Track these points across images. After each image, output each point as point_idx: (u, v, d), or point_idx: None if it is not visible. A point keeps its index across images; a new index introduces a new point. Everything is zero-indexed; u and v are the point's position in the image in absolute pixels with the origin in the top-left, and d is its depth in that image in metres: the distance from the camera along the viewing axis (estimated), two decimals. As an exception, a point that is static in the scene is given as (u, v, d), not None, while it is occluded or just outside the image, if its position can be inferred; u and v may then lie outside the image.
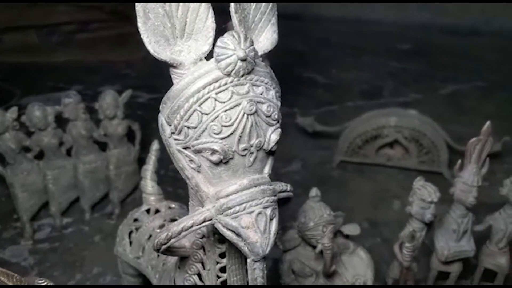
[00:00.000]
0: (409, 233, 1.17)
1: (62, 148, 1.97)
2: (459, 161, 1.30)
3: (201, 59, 0.70)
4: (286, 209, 1.88)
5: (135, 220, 1.25)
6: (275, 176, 2.40)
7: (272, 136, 0.72)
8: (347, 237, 1.24)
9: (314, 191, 1.12)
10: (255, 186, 0.72)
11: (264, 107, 0.70)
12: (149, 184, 1.27)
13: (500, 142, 2.26)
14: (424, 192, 1.22)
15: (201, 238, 0.83)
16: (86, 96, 2.25)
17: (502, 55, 3.76)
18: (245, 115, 0.67)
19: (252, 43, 0.68)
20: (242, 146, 0.69)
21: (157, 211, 1.24)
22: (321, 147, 2.58)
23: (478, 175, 1.26)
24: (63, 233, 1.98)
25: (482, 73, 3.46)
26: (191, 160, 0.71)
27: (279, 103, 0.75)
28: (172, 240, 0.74)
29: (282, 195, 0.82)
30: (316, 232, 1.09)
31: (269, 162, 0.78)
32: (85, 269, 1.77)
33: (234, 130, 0.67)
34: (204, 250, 0.85)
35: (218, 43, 0.66)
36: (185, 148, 0.70)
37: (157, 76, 3.78)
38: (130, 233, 1.24)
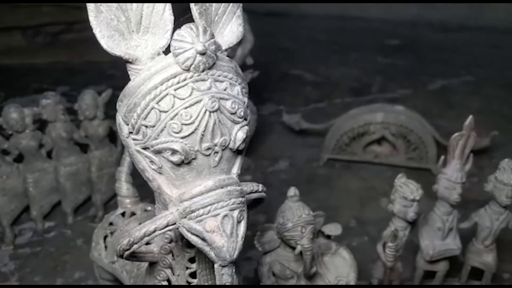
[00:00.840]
0: (391, 233, 1.14)
1: (42, 151, 1.92)
2: (442, 157, 1.27)
3: (159, 54, 0.66)
4: (269, 210, 1.85)
5: (110, 224, 1.21)
6: (261, 175, 2.36)
7: (239, 134, 0.68)
8: (329, 237, 1.21)
9: (293, 191, 1.09)
10: (221, 187, 0.69)
11: (228, 104, 0.67)
12: (123, 186, 1.23)
13: (488, 136, 2.23)
14: (406, 190, 1.19)
15: (169, 242, 0.80)
16: (71, 97, 2.21)
17: (490, 50, 3.75)
18: (207, 112, 0.64)
19: (212, 36, 0.65)
20: (205, 145, 0.65)
21: (133, 214, 1.20)
22: (309, 144, 2.55)
23: (462, 171, 1.23)
24: (44, 237, 1.93)
25: (471, 68, 3.45)
26: (151, 161, 0.67)
27: (245, 100, 0.72)
28: (135, 246, 0.70)
29: (253, 196, 0.79)
30: (295, 233, 1.06)
31: (238, 162, 0.75)
32: (67, 274, 1.73)
33: (196, 129, 0.64)
34: (172, 255, 0.81)
35: (175, 36, 0.63)
36: (145, 148, 0.66)
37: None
38: (105, 237, 1.20)
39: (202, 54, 0.62)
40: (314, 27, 4.45)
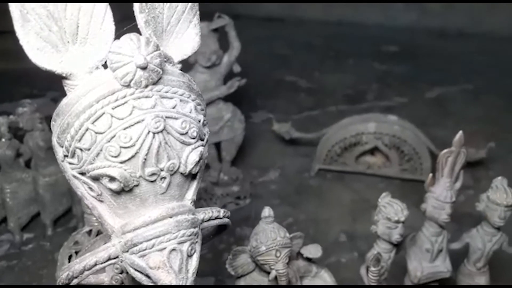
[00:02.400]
0: (373, 256, 1.06)
1: (20, 160, 1.85)
2: (430, 174, 1.19)
3: (97, 68, 0.59)
4: (256, 224, 1.78)
5: (76, 242, 1.14)
6: (250, 185, 2.26)
7: (191, 156, 0.61)
8: (309, 259, 1.13)
9: (267, 211, 1.01)
10: (170, 217, 0.61)
11: (177, 123, 0.59)
12: (90, 203, 1.15)
13: (485, 148, 2.15)
14: (390, 211, 1.11)
15: (120, 273, 0.72)
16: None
17: (489, 57, 3.67)
18: (150, 134, 0.57)
19: (156, 48, 0.57)
20: (148, 170, 0.58)
21: (99, 232, 1.13)
22: (301, 154, 2.47)
23: (452, 190, 1.15)
24: (22, 250, 1.86)
25: (469, 76, 3.37)
26: (90, 188, 0.60)
27: (201, 117, 0.65)
28: (75, 280, 0.63)
29: (213, 223, 0.72)
30: (269, 257, 0.98)
31: (193, 186, 0.67)
32: (42, 289, 1.65)
33: (137, 152, 0.56)
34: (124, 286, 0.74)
35: (112, 48, 0.55)
36: (81, 173, 0.59)
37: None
38: (70, 257, 1.12)
39: (143, 68, 0.55)
40: (311, 32, 4.38)
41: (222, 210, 0.73)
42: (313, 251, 1.10)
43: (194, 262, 0.63)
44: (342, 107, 2.98)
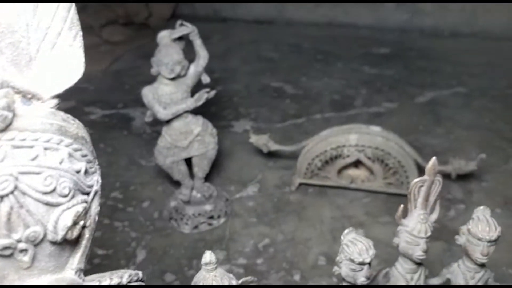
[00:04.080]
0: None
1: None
2: (401, 206, 1.04)
3: None
4: (231, 245, 1.64)
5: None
6: (225, 203, 2.11)
7: (62, 220, 0.49)
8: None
9: (208, 257, 0.87)
10: None
11: (38, 180, 0.47)
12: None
13: (475, 160, 2.01)
14: (353, 250, 0.96)
15: None
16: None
17: (483, 58, 3.52)
18: None
19: (5, 85, 0.44)
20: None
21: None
22: (282, 166, 2.33)
23: (427, 223, 1.01)
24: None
25: (462, 78, 3.22)
26: None
27: (80, 166, 0.53)
28: None
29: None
30: (211, 311, 0.84)
31: (78, 253, 0.54)
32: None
33: None
34: None
35: None
36: None
37: (115, 90, 3.53)
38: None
39: None
40: (299, 34, 4.23)
41: (126, 275, 0.60)
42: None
43: None
44: (328, 114, 2.84)
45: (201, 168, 1.93)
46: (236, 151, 2.48)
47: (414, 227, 1.00)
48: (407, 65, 3.49)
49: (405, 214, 1.05)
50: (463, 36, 3.92)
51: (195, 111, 1.82)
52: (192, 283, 0.90)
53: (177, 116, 1.76)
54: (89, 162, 0.56)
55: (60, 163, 0.49)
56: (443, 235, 1.85)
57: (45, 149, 0.49)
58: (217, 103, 3.02)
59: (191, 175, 1.96)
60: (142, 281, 0.65)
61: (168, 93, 1.71)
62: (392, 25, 4.13)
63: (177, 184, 2.01)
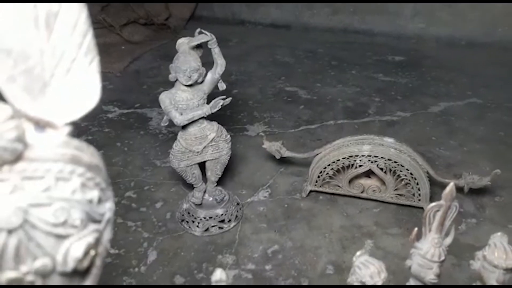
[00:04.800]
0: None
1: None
2: (416, 229, 1.05)
3: None
4: (240, 250, 1.66)
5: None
6: (235, 207, 2.14)
7: (72, 251, 0.48)
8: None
9: (219, 275, 0.88)
10: None
11: (48, 212, 0.46)
12: None
13: (489, 175, 2.00)
14: (365, 273, 0.97)
15: None
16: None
17: (500, 69, 3.49)
18: (3, 232, 0.43)
19: (10, 117, 0.45)
20: (6, 277, 0.45)
21: None
22: (293, 173, 2.36)
23: (441, 247, 1.01)
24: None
25: (478, 89, 3.20)
26: None
27: (93, 195, 0.51)
28: None
29: None
30: (220, 323, 0.86)
31: (88, 281, 0.53)
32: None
33: None
34: None
35: None
36: None
37: (133, 90, 3.58)
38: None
39: None
40: (315, 40, 4.25)
41: None
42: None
43: None
44: (341, 121, 2.85)
45: (214, 173, 1.96)
46: (249, 155, 2.51)
47: (428, 251, 1.01)
48: (422, 74, 3.49)
49: (418, 236, 1.05)
50: (480, 46, 3.90)
51: (211, 117, 1.85)
52: None
53: (192, 122, 1.79)
54: (102, 190, 0.54)
55: (72, 193, 0.48)
56: (452, 249, 1.84)
57: (57, 179, 0.47)
58: (232, 106, 3.04)
59: (204, 179, 1.99)
60: None
61: (185, 99, 1.74)
62: (408, 33, 4.13)
63: (190, 186, 2.04)
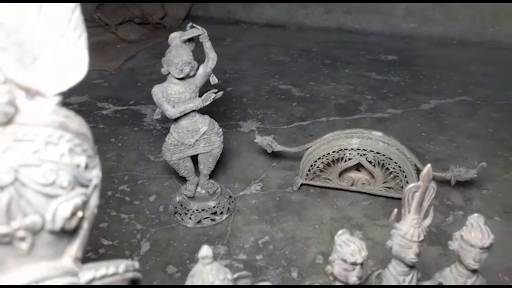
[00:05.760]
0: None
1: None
2: (395, 210, 1.09)
3: None
4: (232, 240, 1.68)
5: None
6: (227, 200, 2.18)
7: (60, 211, 0.51)
8: (261, 293, 1.04)
9: (205, 251, 0.90)
10: (36, 283, 0.52)
11: (38, 172, 0.50)
12: None
13: (475, 168, 2.04)
14: (346, 251, 1.01)
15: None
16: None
17: (491, 68, 3.54)
18: None
19: (8, 81, 0.49)
20: None
21: None
22: (285, 167, 2.39)
23: (420, 227, 1.05)
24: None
25: (468, 88, 3.25)
26: None
27: (81, 160, 0.55)
28: None
29: (109, 280, 0.62)
30: (206, 300, 0.89)
31: (76, 242, 0.57)
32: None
33: None
34: None
35: None
36: None
37: (128, 88, 3.61)
38: None
39: None
40: (309, 39, 4.29)
41: (122, 265, 0.63)
42: (261, 289, 1.01)
43: None
44: (333, 118, 2.89)
45: (206, 166, 1.99)
46: (242, 150, 2.54)
47: (407, 231, 1.05)
48: (413, 72, 3.53)
49: (399, 218, 1.09)
50: (471, 45, 3.96)
51: (203, 111, 1.88)
52: (189, 276, 0.94)
53: (185, 115, 1.82)
54: (89, 157, 0.57)
55: (61, 157, 0.52)
56: (440, 240, 1.90)
57: (46, 143, 0.51)
58: (226, 103, 3.09)
59: (197, 172, 2.02)
60: (139, 272, 0.69)
61: (177, 93, 1.77)
62: (401, 33, 4.18)
63: (183, 180, 2.08)
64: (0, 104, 0.47)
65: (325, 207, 2.10)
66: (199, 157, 1.98)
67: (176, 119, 1.84)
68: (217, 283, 0.89)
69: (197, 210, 1.99)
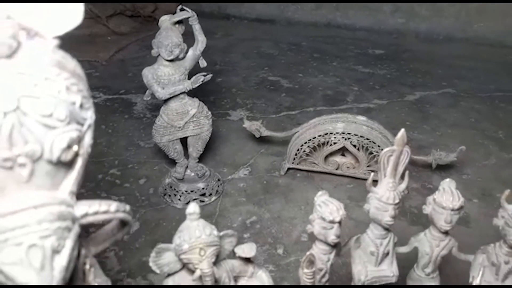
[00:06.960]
0: (306, 258, 1.02)
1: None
2: (372, 174, 1.15)
3: None
4: (220, 220, 1.73)
5: None
6: (216, 183, 2.23)
7: (57, 142, 0.55)
8: (247, 259, 1.09)
9: (192, 207, 0.96)
10: (34, 208, 0.55)
11: (38, 104, 0.54)
12: None
13: (455, 152, 2.12)
14: (325, 210, 1.07)
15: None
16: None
17: (475, 62, 3.64)
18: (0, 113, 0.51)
19: (7, 18, 0.53)
20: (1, 155, 0.53)
21: None
22: (273, 153, 2.45)
23: (395, 191, 1.11)
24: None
25: (452, 81, 3.34)
26: None
27: (76, 99, 0.59)
28: None
29: (101, 217, 0.67)
30: (192, 256, 0.94)
31: (72, 176, 0.62)
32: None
33: None
34: None
35: None
36: None
37: (119, 78, 3.63)
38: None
39: None
40: (299, 34, 4.36)
41: (114, 205, 0.68)
42: (247, 250, 1.06)
43: (64, 258, 0.57)
44: (321, 108, 2.95)
45: (195, 149, 2.04)
46: (231, 137, 2.59)
47: (383, 194, 1.10)
48: (400, 66, 3.61)
49: (376, 183, 1.15)
50: (457, 41, 4.05)
51: (192, 94, 1.93)
52: (177, 232, 0.98)
53: (174, 97, 1.86)
54: (84, 97, 0.61)
55: (58, 92, 0.56)
56: (420, 220, 1.97)
57: (45, 78, 0.55)
58: (216, 92, 3.13)
59: (186, 155, 2.07)
60: (129, 214, 0.74)
61: (167, 74, 1.81)
62: (388, 28, 4.26)
63: (173, 164, 2.12)
64: (5, 36, 0.52)
65: (311, 189, 2.16)
66: (189, 140, 2.02)
67: (166, 101, 1.88)
68: (203, 237, 0.94)
69: (186, 191, 2.04)
